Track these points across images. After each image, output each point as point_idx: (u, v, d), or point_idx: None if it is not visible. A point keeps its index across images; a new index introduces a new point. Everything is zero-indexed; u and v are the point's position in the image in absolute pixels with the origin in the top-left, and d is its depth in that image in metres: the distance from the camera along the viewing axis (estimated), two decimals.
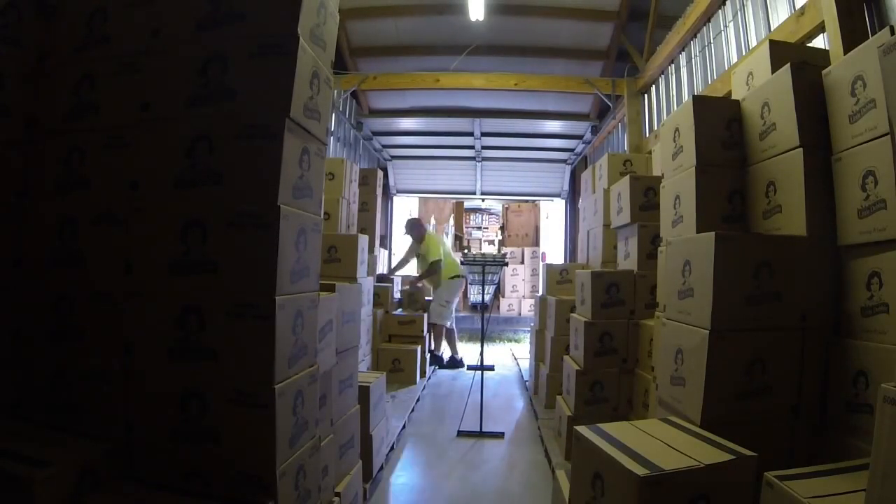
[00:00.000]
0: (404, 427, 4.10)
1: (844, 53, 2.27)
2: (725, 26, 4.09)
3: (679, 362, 2.07)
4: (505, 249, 11.75)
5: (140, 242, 1.64)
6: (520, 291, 11.60)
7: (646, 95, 5.98)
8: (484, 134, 8.11)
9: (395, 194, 9.75)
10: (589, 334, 3.42)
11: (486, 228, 15.64)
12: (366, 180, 5.73)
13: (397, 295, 6.14)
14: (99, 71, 1.77)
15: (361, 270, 4.39)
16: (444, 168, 9.50)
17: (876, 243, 1.81)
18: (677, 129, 2.59)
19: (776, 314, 1.94)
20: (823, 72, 2.07)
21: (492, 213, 15.22)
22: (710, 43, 4.37)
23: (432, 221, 11.66)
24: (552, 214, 10.98)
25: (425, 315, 5.87)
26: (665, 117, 5.15)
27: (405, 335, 5.73)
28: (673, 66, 5.22)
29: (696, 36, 4.69)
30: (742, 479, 1.53)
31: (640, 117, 5.98)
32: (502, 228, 13.12)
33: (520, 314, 11.11)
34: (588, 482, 1.68)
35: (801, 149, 2.05)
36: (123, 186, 1.67)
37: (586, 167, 6.36)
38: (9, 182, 1.79)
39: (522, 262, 11.75)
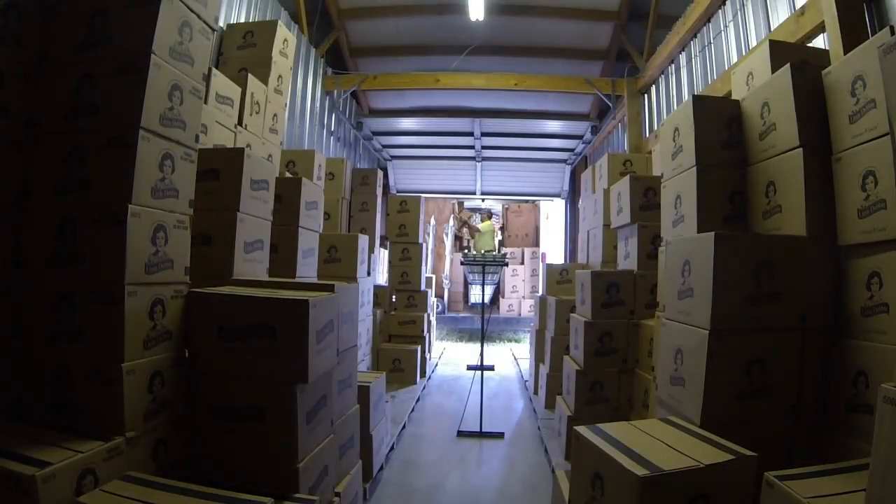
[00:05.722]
0: (404, 427, 4.10)
1: (844, 53, 2.27)
2: (725, 26, 4.09)
3: (679, 362, 2.07)
4: (505, 250, 11.75)
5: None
6: (520, 291, 11.60)
7: (646, 95, 5.98)
8: (484, 134, 8.11)
9: (395, 194, 9.76)
10: (589, 334, 3.42)
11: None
12: (366, 180, 5.73)
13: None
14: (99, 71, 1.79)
15: (361, 270, 4.39)
16: (444, 168, 9.50)
17: (876, 243, 1.81)
18: (677, 129, 2.59)
19: (776, 314, 1.94)
20: (823, 72, 2.07)
21: (492, 214, 15.20)
22: (710, 43, 4.37)
23: (432, 221, 11.66)
24: (552, 214, 10.97)
25: (425, 315, 5.86)
26: (665, 117, 5.15)
27: (405, 335, 5.73)
28: (673, 66, 5.22)
29: (696, 36, 4.69)
30: (742, 479, 1.53)
31: (640, 117, 5.98)
32: (502, 229, 13.12)
33: (520, 314, 11.11)
34: (588, 482, 1.68)
35: (801, 149, 2.05)
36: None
37: (586, 167, 6.36)
38: (9, 182, 1.80)
39: (522, 263, 11.75)
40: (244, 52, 3.64)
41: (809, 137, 2.05)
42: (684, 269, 2.10)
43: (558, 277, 5.06)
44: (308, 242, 3.28)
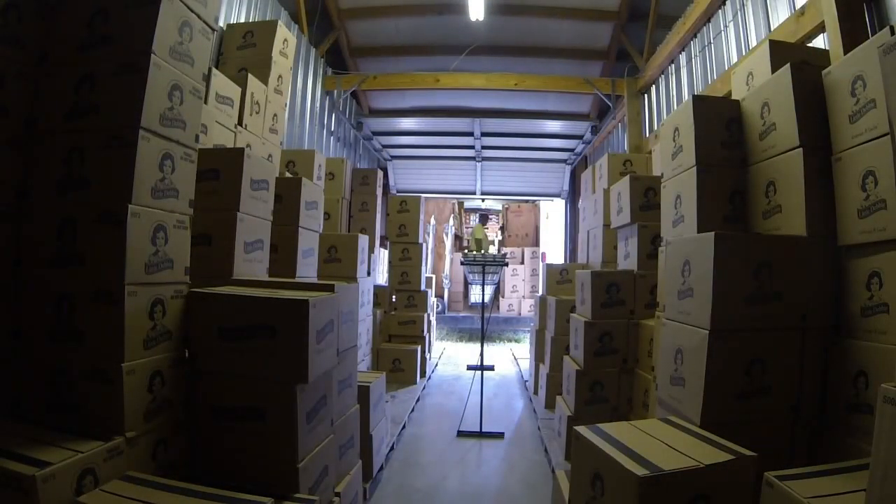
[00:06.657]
0: (404, 427, 4.10)
1: (844, 53, 2.27)
2: (725, 26, 4.09)
3: (679, 362, 2.07)
4: (505, 249, 11.76)
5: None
6: (520, 291, 11.60)
7: (646, 95, 5.98)
8: (484, 134, 8.11)
9: (395, 194, 9.76)
10: (589, 334, 3.42)
11: (487, 228, 15.62)
12: (366, 180, 5.73)
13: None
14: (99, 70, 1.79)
15: (361, 270, 4.39)
16: (444, 168, 9.50)
17: (876, 243, 1.81)
18: (677, 129, 2.59)
19: (776, 314, 1.94)
20: (823, 72, 2.07)
21: (492, 213, 15.22)
22: (710, 43, 4.37)
23: (432, 221, 11.66)
24: (552, 214, 10.97)
25: (425, 315, 5.86)
26: (665, 117, 5.15)
27: (405, 335, 5.73)
28: (673, 66, 5.22)
29: (696, 36, 4.69)
30: (742, 479, 1.53)
31: (640, 117, 5.98)
32: (502, 229, 13.12)
33: (520, 314, 11.11)
34: (588, 482, 1.68)
35: (801, 149, 2.05)
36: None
37: (586, 167, 6.36)
38: (9, 182, 1.80)
39: (522, 262, 11.75)
40: (244, 52, 3.64)
41: (809, 137, 2.05)
42: (684, 269, 2.10)
43: (558, 277, 5.06)
44: (308, 242, 3.28)
